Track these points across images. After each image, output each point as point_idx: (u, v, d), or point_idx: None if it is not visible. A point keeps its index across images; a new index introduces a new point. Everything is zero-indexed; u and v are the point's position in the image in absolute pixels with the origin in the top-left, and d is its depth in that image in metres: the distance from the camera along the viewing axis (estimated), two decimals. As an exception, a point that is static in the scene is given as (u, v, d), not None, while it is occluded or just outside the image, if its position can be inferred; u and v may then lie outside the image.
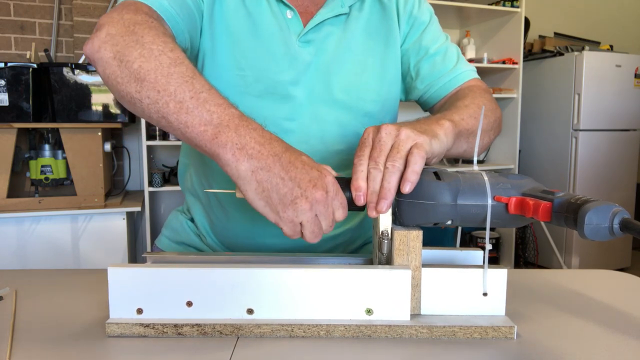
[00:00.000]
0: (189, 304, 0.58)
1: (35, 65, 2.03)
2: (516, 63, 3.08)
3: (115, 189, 2.60)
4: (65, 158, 2.11)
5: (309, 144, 0.81)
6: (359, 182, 0.59)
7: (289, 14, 0.81)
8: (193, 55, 0.80)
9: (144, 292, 0.58)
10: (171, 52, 0.59)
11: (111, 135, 2.33)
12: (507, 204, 0.58)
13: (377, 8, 0.88)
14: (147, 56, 0.58)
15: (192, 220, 0.97)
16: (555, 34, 3.69)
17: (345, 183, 0.63)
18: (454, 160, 3.22)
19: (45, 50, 2.15)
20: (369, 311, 0.59)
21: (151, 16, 0.64)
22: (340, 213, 0.59)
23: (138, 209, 2.20)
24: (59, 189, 2.19)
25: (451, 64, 0.88)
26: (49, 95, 2.09)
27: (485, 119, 0.77)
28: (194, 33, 0.76)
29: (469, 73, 0.88)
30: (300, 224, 0.56)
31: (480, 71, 3.63)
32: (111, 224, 2.16)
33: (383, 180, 0.58)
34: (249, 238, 0.86)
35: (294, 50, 0.80)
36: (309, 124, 0.81)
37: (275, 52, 0.79)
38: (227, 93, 0.65)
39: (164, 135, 2.55)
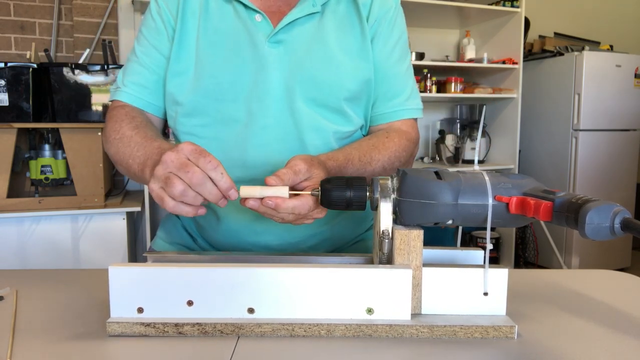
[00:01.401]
0: (190, 303, 0.58)
1: (35, 65, 2.03)
2: (516, 63, 3.08)
3: (116, 189, 2.59)
4: (65, 158, 2.11)
5: (286, 140, 0.84)
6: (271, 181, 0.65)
7: (257, 17, 0.84)
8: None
9: (145, 292, 0.58)
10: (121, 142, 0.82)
11: (111, 135, 2.33)
12: (508, 204, 0.58)
13: (352, 7, 0.88)
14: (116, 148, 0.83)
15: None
16: (555, 34, 3.69)
17: (344, 182, 0.63)
18: (454, 160, 3.22)
19: (45, 50, 2.15)
20: (369, 310, 0.59)
21: (125, 115, 0.86)
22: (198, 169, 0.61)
23: (138, 209, 2.19)
24: (59, 189, 2.19)
25: (401, 93, 0.91)
26: (49, 95, 2.09)
27: (379, 174, 0.84)
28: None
29: (412, 112, 0.92)
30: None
31: (480, 71, 3.60)
32: (111, 224, 2.16)
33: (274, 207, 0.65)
34: (236, 237, 0.88)
35: (264, 51, 0.83)
36: (285, 121, 0.83)
37: (245, 57, 0.83)
38: (204, 101, 0.83)
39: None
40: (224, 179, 0.61)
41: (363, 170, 0.81)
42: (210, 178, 0.61)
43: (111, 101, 0.90)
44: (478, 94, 3.08)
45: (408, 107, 0.91)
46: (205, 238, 0.93)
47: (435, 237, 2.92)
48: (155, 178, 0.62)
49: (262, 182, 0.68)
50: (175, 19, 0.86)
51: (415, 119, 0.94)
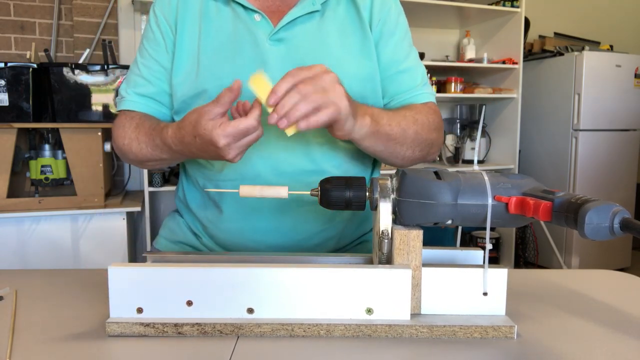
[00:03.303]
0: (189, 303, 0.58)
1: (35, 65, 2.03)
2: (516, 63, 3.08)
3: (115, 189, 2.59)
4: (65, 158, 2.11)
5: (290, 138, 0.82)
6: (275, 89, 0.66)
7: (257, 17, 0.85)
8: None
9: (144, 292, 0.58)
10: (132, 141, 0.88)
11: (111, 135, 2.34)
12: (507, 204, 0.58)
13: (352, 8, 0.89)
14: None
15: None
16: (555, 34, 3.69)
17: (344, 183, 0.63)
18: (454, 160, 3.22)
19: (45, 50, 2.15)
20: (369, 310, 0.59)
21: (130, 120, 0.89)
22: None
23: (138, 209, 2.19)
24: (59, 189, 2.19)
25: (415, 83, 0.91)
26: (49, 95, 2.09)
27: (415, 134, 0.83)
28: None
29: (428, 96, 0.92)
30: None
31: (480, 71, 3.59)
32: (111, 224, 2.16)
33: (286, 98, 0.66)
34: (241, 236, 0.88)
35: (265, 50, 0.83)
36: None
37: (246, 56, 0.83)
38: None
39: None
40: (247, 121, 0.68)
41: (395, 113, 0.82)
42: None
43: (118, 112, 0.92)
44: (478, 94, 3.08)
45: (424, 91, 0.92)
46: (210, 237, 0.94)
47: (435, 237, 2.92)
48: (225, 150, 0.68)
49: (266, 179, 0.81)
50: (174, 28, 0.87)
51: (434, 102, 0.94)
